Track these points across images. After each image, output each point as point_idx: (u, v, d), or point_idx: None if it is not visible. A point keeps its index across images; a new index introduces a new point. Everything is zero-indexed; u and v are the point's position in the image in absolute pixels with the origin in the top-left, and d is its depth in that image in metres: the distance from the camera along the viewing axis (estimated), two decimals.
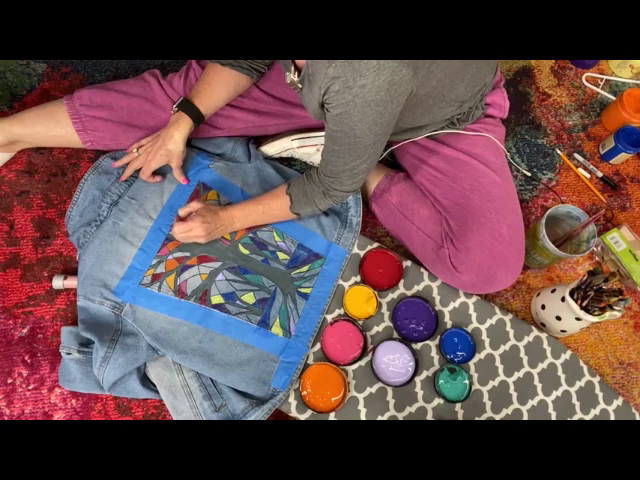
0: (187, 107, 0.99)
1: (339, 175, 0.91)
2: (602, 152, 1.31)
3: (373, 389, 1.01)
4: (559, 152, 1.31)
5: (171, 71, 1.11)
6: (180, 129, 0.98)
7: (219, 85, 1.00)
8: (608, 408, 1.06)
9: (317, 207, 0.99)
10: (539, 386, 1.05)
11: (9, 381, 0.99)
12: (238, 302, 1.01)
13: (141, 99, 1.05)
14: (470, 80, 0.93)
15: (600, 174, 1.29)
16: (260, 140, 1.19)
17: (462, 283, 1.04)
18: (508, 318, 1.09)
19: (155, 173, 1.05)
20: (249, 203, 1.02)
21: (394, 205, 1.11)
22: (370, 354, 1.02)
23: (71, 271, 1.07)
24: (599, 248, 1.21)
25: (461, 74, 0.90)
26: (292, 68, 0.85)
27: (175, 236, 0.98)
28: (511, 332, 1.08)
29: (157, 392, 0.97)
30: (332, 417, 0.98)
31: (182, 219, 0.98)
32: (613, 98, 1.37)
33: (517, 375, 1.05)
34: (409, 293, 1.09)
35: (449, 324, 1.07)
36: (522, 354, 1.07)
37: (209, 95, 1.00)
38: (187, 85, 1.06)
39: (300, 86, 0.86)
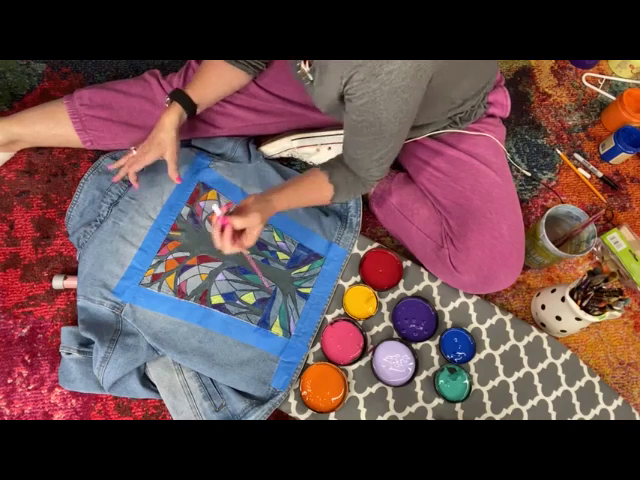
0: (178, 96, 0.96)
1: (368, 168, 0.90)
2: (602, 152, 1.31)
3: (373, 389, 1.01)
4: (559, 152, 1.31)
5: (171, 71, 1.11)
6: (170, 116, 0.95)
7: (213, 76, 0.98)
8: (608, 408, 1.06)
9: (354, 195, 0.98)
10: (539, 386, 1.05)
11: (9, 381, 0.99)
12: (238, 302, 1.01)
13: (141, 99, 1.05)
14: (474, 77, 0.93)
15: (600, 174, 1.29)
16: (260, 140, 1.18)
17: (462, 283, 1.04)
18: (508, 318, 1.09)
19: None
20: (287, 189, 0.92)
21: (394, 205, 1.11)
22: (370, 354, 1.02)
23: (71, 271, 1.07)
24: (599, 248, 1.21)
25: (465, 70, 0.89)
26: None
27: (226, 246, 0.83)
28: (511, 332, 1.08)
29: (157, 392, 0.97)
30: (332, 417, 0.98)
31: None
32: (613, 98, 1.37)
33: (517, 375, 1.05)
34: (409, 293, 1.09)
35: (449, 324, 1.07)
36: (522, 354, 1.07)
37: (200, 83, 0.98)
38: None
39: (311, 78, 0.85)
